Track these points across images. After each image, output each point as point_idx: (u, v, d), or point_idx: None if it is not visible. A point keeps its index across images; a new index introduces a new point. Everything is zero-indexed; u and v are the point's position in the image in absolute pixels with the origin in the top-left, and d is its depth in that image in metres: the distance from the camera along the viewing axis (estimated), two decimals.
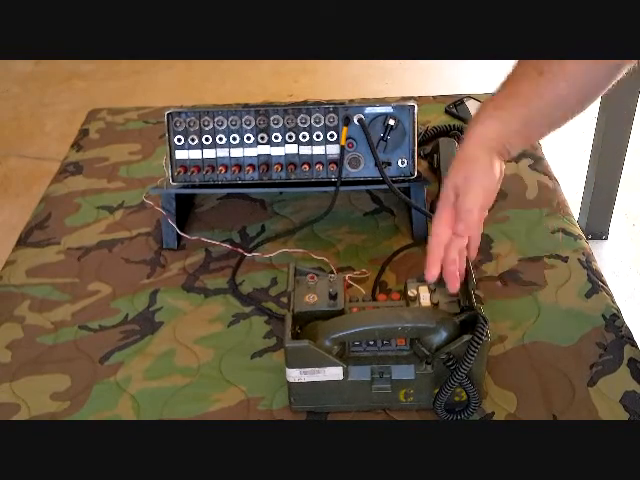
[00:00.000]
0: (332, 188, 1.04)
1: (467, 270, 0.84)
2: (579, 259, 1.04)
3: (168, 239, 1.09)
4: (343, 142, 1.02)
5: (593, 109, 2.19)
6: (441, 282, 0.86)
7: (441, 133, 1.29)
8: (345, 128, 1.02)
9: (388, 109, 1.02)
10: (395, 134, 1.03)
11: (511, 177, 1.21)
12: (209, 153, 1.05)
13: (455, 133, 1.28)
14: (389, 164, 1.04)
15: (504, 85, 0.83)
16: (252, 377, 0.89)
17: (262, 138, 1.04)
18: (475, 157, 0.81)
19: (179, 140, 1.04)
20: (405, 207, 1.12)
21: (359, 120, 1.01)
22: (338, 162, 1.03)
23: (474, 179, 0.80)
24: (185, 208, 1.14)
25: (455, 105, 1.38)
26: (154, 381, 0.89)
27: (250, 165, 1.05)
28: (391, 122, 1.02)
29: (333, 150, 1.04)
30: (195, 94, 2.90)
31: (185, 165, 1.05)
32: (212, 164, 1.05)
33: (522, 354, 0.90)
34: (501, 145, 0.82)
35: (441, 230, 0.82)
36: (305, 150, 1.05)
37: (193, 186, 1.07)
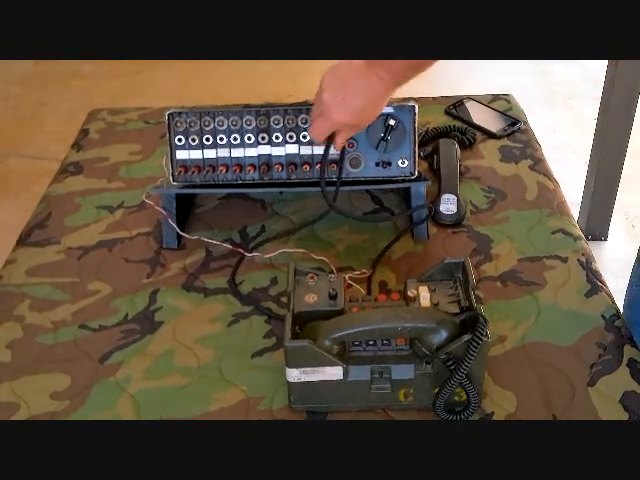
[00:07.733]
0: (332, 188, 1.04)
1: (467, 270, 0.84)
2: (579, 260, 1.04)
3: (168, 239, 1.09)
4: None
5: (593, 109, 2.19)
6: (441, 282, 0.86)
7: (441, 134, 1.29)
8: None
9: (389, 109, 1.02)
10: (395, 134, 1.03)
11: (511, 178, 1.21)
12: (210, 153, 1.05)
13: (455, 134, 1.28)
14: (389, 164, 1.04)
15: None
16: (252, 377, 0.89)
17: (263, 138, 1.04)
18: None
19: (180, 140, 1.04)
20: (405, 207, 1.12)
21: None
22: (338, 162, 1.03)
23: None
24: (185, 208, 1.14)
25: (455, 106, 1.38)
26: (154, 381, 0.89)
27: (251, 165, 1.05)
28: (391, 122, 1.02)
29: (333, 150, 1.03)
30: (195, 94, 2.90)
31: (186, 165, 1.05)
32: (213, 164, 1.05)
33: (522, 354, 0.90)
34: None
35: None
36: (306, 150, 1.05)
37: (194, 186, 1.07)
